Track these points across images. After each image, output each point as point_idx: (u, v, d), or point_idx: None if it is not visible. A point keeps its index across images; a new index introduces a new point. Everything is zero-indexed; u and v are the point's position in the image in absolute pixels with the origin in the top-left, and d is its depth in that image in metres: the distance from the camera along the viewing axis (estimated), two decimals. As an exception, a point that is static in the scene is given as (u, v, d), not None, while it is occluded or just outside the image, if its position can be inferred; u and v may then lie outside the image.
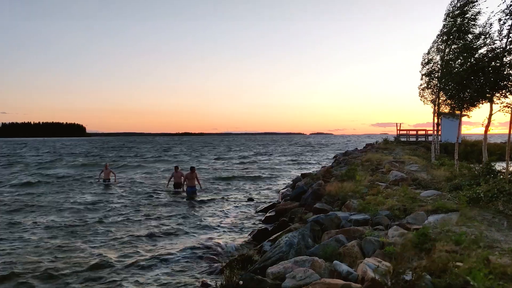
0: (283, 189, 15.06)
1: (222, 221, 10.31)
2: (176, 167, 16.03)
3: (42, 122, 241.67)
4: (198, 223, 10.05)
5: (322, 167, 19.55)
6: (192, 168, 14.73)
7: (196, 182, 14.51)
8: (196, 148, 66.13)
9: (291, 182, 16.69)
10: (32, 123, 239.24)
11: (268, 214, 10.38)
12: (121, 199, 13.59)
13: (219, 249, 7.58)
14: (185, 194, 14.51)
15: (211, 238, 8.49)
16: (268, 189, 16.88)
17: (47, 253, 7.43)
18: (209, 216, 10.83)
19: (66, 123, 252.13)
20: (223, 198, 13.91)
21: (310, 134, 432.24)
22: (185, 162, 32.29)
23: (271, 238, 7.12)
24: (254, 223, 10.11)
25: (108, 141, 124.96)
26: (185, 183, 14.33)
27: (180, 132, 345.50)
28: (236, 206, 12.45)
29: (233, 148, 64.88)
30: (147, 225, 9.66)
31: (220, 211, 11.67)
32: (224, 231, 9.22)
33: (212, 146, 75.43)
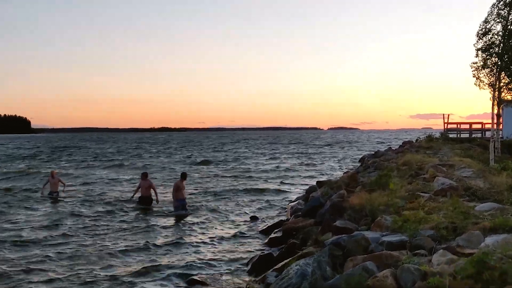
0: (293, 201, 15.13)
1: (213, 245, 10.36)
2: (144, 174, 15.88)
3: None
4: (182, 248, 10.07)
5: (344, 172, 19.62)
6: (183, 175, 14.64)
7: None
8: (175, 147, 66.24)
9: (304, 192, 16.74)
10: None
11: (272, 235, 10.42)
12: (73, 220, 13.36)
13: (209, 282, 7.61)
14: (157, 209, 14.53)
15: (200, 268, 8.54)
16: (273, 202, 16.93)
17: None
18: (197, 240, 10.86)
19: (5, 115, 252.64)
20: (214, 216, 13.97)
21: (328, 129, 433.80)
22: (158, 170, 32.34)
23: (277, 266, 7.17)
24: (253, 247, 10.13)
25: (60, 139, 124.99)
26: (174, 195, 14.26)
27: (156, 127, 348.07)
28: (231, 226, 12.52)
29: (226, 147, 65.05)
30: (110, 258, 9.34)
31: (211, 232, 11.72)
32: (216, 258, 9.26)
33: (198, 145, 75.63)
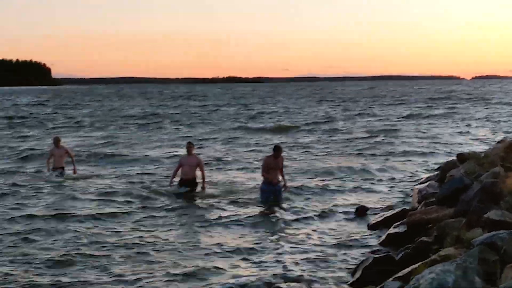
0: (422, 183, 15.07)
1: (307, 246, 10.60)
2: (190, 145, 15.69)
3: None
4: (265, 252, 10.31)
5: (498, 141, 19.03)
6: (277, 149, 14.32)
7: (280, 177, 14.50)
8: (250, 107, 67.47)
9: (437, 170, 16.53)
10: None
11: (392, 230, 10.55)
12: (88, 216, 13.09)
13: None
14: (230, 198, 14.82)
15: (288, 276, 8.71)
16: (391, 183, 17.19)
17: None
18: (285, 238, 11.20)
19: (17, 60, 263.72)
20: (308, 206, 14.21)
21: (473, 78, 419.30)
22: (214, 142, 33.12)
23: (399, 274, 7.26)
24: (363, 247, 10.32)
25: (88, 93, 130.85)
26: (266, 177, 14.23)
27: (222, 76, 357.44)
28: (332, 219, 12.78)
29: (317, 106, 65.24)
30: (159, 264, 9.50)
31: (304, 229, 12.00)
32: (310, 265, 9.45)
33: (282, 103, 76.55)
